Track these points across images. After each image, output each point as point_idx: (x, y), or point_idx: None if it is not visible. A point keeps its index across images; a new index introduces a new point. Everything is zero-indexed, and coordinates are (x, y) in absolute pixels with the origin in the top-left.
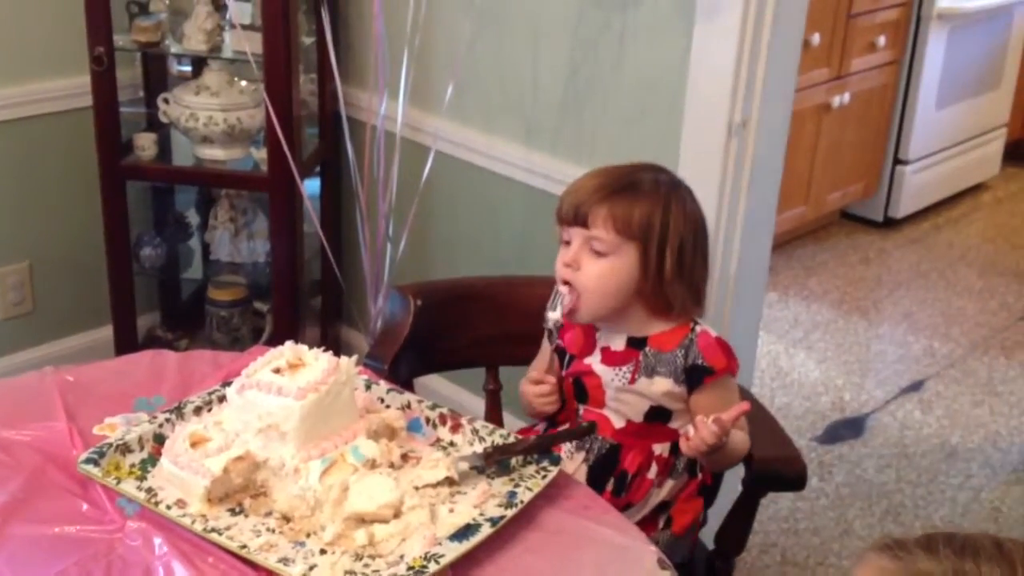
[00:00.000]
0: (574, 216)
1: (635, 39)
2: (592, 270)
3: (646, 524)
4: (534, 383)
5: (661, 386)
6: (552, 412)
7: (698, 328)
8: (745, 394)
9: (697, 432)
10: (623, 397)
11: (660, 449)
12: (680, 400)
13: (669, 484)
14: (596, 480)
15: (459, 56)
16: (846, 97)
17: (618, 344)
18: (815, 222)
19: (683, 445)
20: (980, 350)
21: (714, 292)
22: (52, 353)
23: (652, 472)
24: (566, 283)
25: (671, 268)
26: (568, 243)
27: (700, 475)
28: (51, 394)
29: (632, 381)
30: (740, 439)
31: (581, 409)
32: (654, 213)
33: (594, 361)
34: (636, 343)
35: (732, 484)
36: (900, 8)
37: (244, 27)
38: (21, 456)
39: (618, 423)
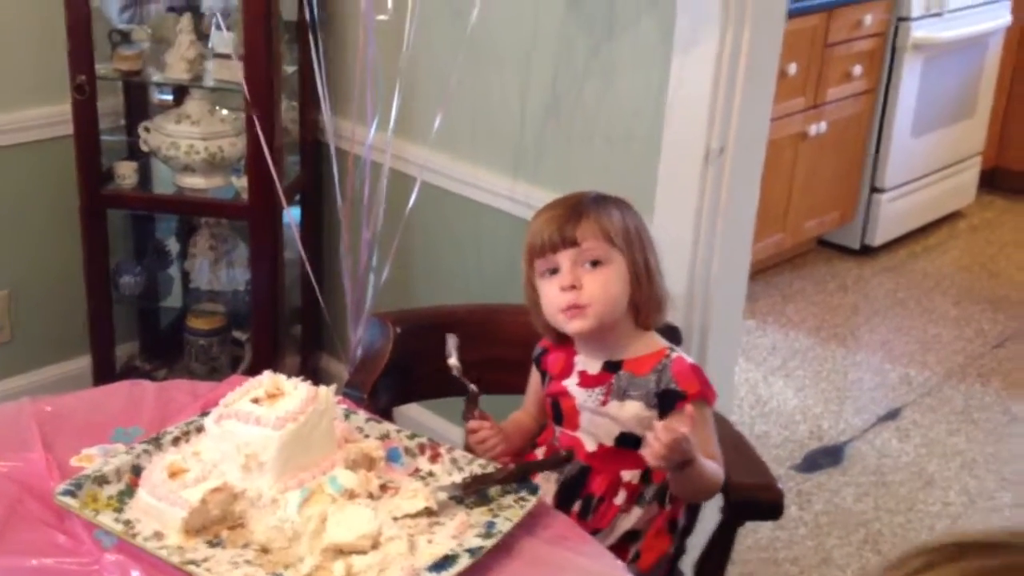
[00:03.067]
0: (561, 239)
1: (616, 69)
2: (594, 281)
3: (617, 553)
4: (471, 431)
5: (631, 409)
6: (498, 455)
7: (673, 354)
8: (723, 421)
9: (654, 436)
10: (595, 420)
11: (629, 476)
12: (650, 426)
13: (637, 512)
14: (563, 500)
15: (447, 86)
16: (823, 126)
17: (594, 368)
18: (792, 250)
19: (644, 452)
20: (956, 378)
21: (692, 319)
22: (30, 383)
23: (620, 498)
24: (571, 308)
25: (655, 268)
26: (551, 273)
27: (670, 507)
28: (28, 424)
29: (604, 403)
30: (712, 469)
31: (558, 431)
32: (627, 220)
33: (570, 383)
34: (611, 366)
35: (710, 513)
36: (875, 38)
37: (226, 56)
38: None
39: (590, 446)
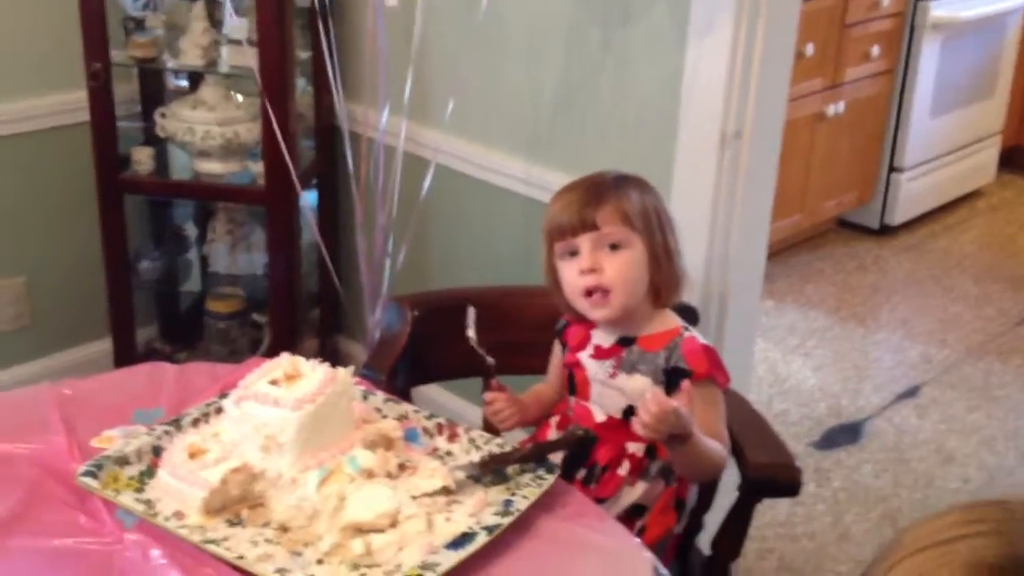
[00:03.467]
0: (581, 222)
1: (631, 53)
2: (614, 264)
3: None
4: (487, 403)
5: (639, 383)
6: (513, 426)
7: (687, 334)
8: (741, 401)
9: (643, 405)
10: (604, 392)
11: (634, 448)
12: None
13: (642, 486)
14: (569, 468)
15: (459, 71)
16: (840, 106)
17: (608, 342)
18: (811, 230)
19: (634, 424)
20: (976, 356)
21: (710, 300)
22: (50, 367)
23: (623, 469)
24: (591, 291)
25: (673, 248)
26: (571, 255)
27: (676, 484)
28: (49, 407)
29: (613, 375)
30: (714, 449)
31: (572, 402)
32: (645, 202)
33: (584, 355)
34: (625, 341)
35: (728, 490)
36: (894, 18)
37: (239, 42)
38: (20, 469)
39: (599, 417)
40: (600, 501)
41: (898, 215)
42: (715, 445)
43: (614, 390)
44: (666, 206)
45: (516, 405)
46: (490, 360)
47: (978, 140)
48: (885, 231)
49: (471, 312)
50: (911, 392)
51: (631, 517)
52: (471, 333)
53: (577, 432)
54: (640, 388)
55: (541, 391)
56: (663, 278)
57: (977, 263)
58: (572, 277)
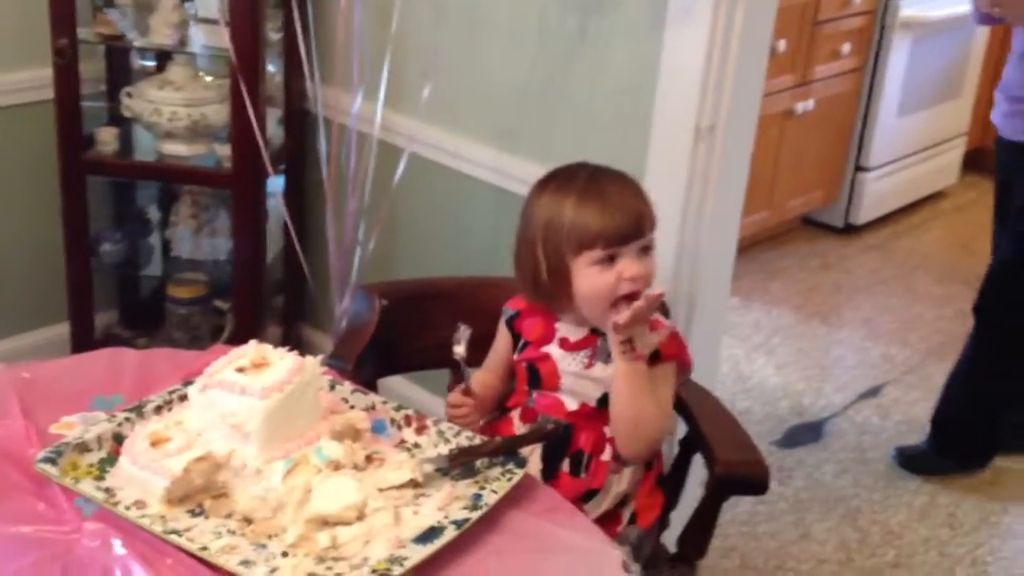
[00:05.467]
0: (637, 229)
1: (607, 44)
2: (650, 268)
3: (611, 519)
4: (453, 406)
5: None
6: (469, 427)
7: (652, 317)
8: (709, 397)
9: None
10: (578, 382)
11: (612, 432)
12: None
13: (627, 473)
14: (550, 461)
15: (434, 58)
16: (810, 103)
17: (577, 335)
18: (777, 227)
19: (613, 315)
20: (937, 356)
21: (680, 296)
22: (6, 350)
23: (607, 454)
24: (630, 297)
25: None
26: (609, 260)
27: (656, 466)
28: (7, 391)
29: (589, 366)
30: (653, 408)
31: (534, 394)
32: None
33: (552, 348)
34: (597, 331)
35: (694, 488)
36: (865, 16)
37: (210, 21)
38: None
39: (572, 406)
40: (593, 493)
41: (863, 214)
42: (652, 407)
43: (589, 380)
44: None
45: (480, 409)
46: (469, 371)
47: (944, 141)
48: (849, 230)
49: (464, 331)
50: (873, 392)
51: (618, 508)
52: (460, 350)
53: (547, 426)
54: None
55: (488, 381)
56: None
57: (940, 264)
58: (604, 283)
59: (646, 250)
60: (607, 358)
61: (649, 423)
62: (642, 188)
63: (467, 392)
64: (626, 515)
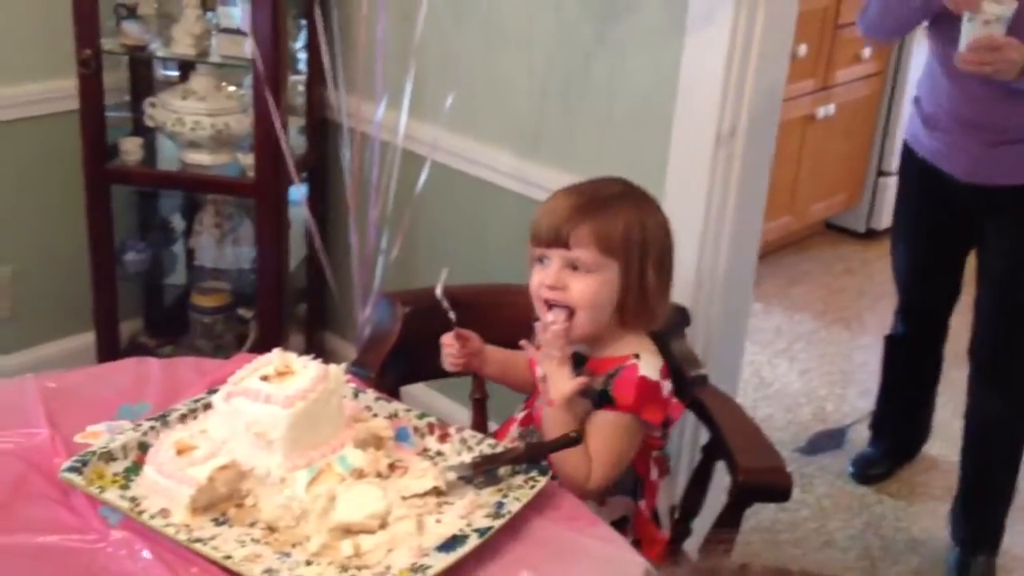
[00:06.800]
0: (555, 237)
1: (627, 50)
2: (579, 287)
3: None
4: (445, 345)
5: (583, 405)
6: (454, 368)
7: (633, 361)
8: (732, 404)
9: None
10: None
11: None
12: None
13: (612, 502)
14: None
15: (456, 66)
16: (831, 108)
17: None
18: (799, 232)
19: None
20: (961, 361)
21: (701, 301)
22: (32, 359)
23: None
24: (550, 304)
25: (653, 281)
26: (540, 261)
27: (643, 500)
28: (33, 401)
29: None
30: (575, 457)
31: (538, 402)
32: (632, 229)
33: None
34: (578, 361)
35: (717, 495)
36: None
37: (232, 31)
38: (3, 464)
39: None
40: None
41: (885, 219)
42: (577, 460)
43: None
44: (666, 232)
45: (467, 357)
46: (452, 315)
47: None
48: (872, 235)
49: (444, 273)
50: None
51: (619, 527)
52: (438, 291)
53: (571, 434)
54: (586, 411)
55: (516, 361)
56: (630, 305)
57: None
58: (536, 283)
59: (576, 268)
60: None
61: (563, 468)
62: (640, 212)
63: (458, 336)
64: (628, 538)
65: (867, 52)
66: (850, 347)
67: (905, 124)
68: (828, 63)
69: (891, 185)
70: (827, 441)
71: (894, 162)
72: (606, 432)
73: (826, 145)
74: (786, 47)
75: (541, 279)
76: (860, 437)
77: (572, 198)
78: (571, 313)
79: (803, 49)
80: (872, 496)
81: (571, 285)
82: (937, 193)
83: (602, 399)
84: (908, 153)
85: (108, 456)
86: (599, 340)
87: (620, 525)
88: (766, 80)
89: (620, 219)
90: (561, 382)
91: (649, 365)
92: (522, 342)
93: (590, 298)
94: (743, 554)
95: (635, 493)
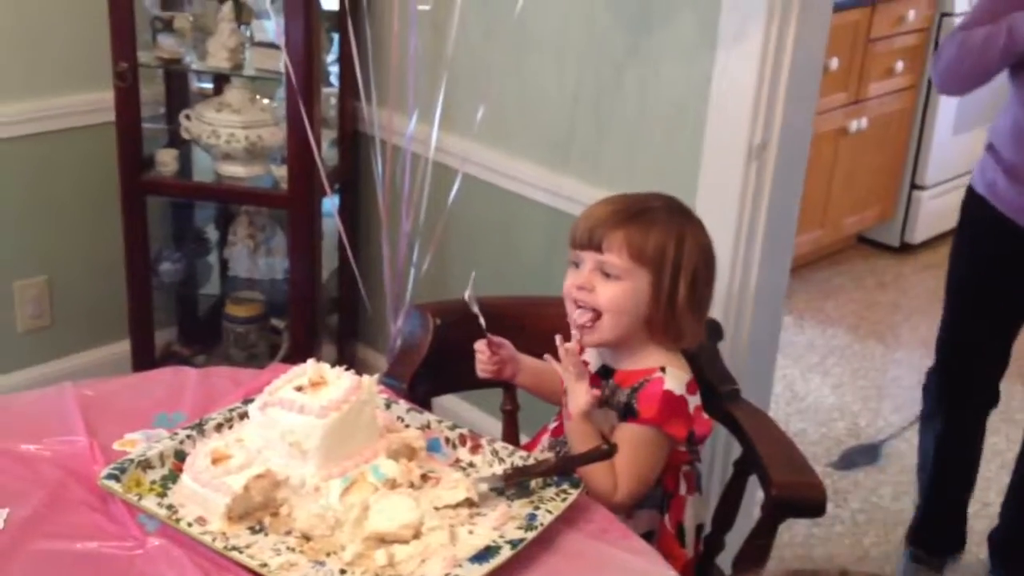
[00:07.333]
0: (589, 240)
1: (659, 63)
2: (606, 292)
3: None
4: (479, 351)
5: (609, 419)
6: (486, 375)
7: (659, 375)
8: (765, 418)
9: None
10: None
11: None
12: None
13: (641, 514)
14: None
15: (486, 78)
16: (863, 122)
17: (593, 367)
18: (831, 246)
19: (559, 341)
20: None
21: (732, 315)
22: (69, 367)
23: None
24: (578, 305)
25: (684, 298)
26: (575, 264)
27: (669, 513)
28: (71, 409)
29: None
30: (601, 472)
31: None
32: (668, 242)
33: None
34: (605, 372)
35: (750, 509)
36: (918, 33)
37: (266, 45)
38: (42, 471)
39: None
40: None
41: (919, 233)
42: (603, 474)
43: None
44: (708, 254)
45: (499, 364)
46: (482, 319)
47: None
48: (906, 249)
49: (472, 277)
50: None
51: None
52: (468, 294)
53: (603, 446)
54: (611, 423)
55: (550, 371)
56: (658, 318)
57: None
58: (568, 284)
59: (607, 274)
60: (603, 403)
61: (591, 483)
62: (681, 229)
63: (490, 343)
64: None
65: (900, 66)
66: (884, 361)
67: (939, 138)
68: (860, 76)
69: (925, 199)
70: (861, 456)
71: (928, 176)
72: (629, 445)
73: (858, 158)
74: (818, 60)
75: (573, 280)
76: (894, 451)
77: (613, 205)
78: (597, 315)
79: (835, 62)
80: (907, 512)
81: (599, 288)
82: (1014, 249)
83: (627, 411)
84: (979, 202)
85: (146, 464)
86: (627, 351)
87: (646, 539)
88: (798, 93)
89: (656, 231)
90: (578, 395)
91: (675, 379)
92: (546, 356)
93: (616, 303)
94: (776, 570)
95: (662, 507)
